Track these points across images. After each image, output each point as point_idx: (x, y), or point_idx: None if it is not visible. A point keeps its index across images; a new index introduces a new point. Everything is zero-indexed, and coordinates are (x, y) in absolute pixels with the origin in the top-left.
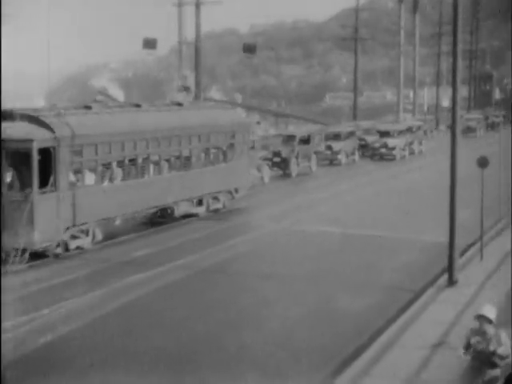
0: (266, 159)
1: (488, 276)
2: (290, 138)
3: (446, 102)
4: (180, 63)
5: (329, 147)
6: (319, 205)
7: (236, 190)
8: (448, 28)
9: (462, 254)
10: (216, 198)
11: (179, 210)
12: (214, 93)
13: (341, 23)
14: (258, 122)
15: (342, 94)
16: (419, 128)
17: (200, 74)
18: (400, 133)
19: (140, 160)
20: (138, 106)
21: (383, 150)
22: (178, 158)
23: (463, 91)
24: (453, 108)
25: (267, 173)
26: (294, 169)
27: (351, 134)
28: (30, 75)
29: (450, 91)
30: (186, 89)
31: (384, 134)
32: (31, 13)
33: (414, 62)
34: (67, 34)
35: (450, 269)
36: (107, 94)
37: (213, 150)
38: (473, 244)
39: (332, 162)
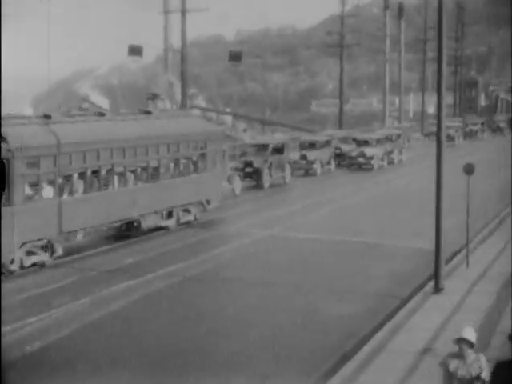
0: (236, 169)
1: (474, 283)
2: (262, 148)
3: (431, 109)
4: (165, 71)
5: (303, 157)
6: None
7: (208, 202)
8: (433, 34)
9: (447, 261)
10: (187, 210)
11: (146, 223)
12: (200, 101)
13: (327, 30)
14: (245, 130)
15: (327, 101)
16: (399, 136)
17: (186, 82)
18: (378, 141)
19: (103, 171)
20: (101, 114)
21: (361, 160)
22: (144, 168)
23: (448, 98)
24: (438, 115)
25: (238, 184)
26: (266, 180)
27: (327, 142)
28: (15, 80)
29: (435, 97)
30: (156, 96)
31: (361, 142)
32: (16, 17)
33: (400, 68)
34: (53, 39)
35: (436, 276)
36: (93, 102)
37: (183, 161)
38: (457, 252)
39: (307, 172)
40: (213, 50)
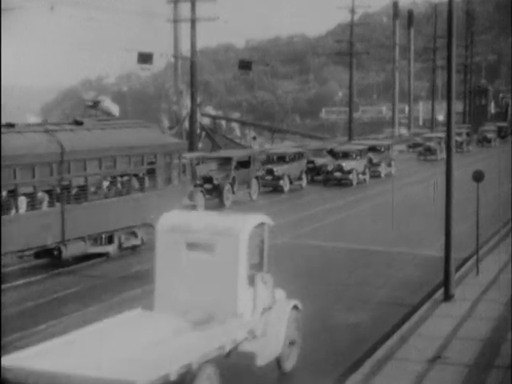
0: (197, 186)
1: (484, 291)
2: (225, 161)
3: (441, 116)
4: (175, 79)
5: (269, 171)
6: None
7: None
8: (443, 42)
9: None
10: (133, 234)
11: (69, 252)
12: (210, 109)
13: (336, 38)
14: (254, 138)
15: (337, 109)
16: (388, 147)
17: (196, 90)
18: (360, 153)
19: (4, 193)
20: (11, 125)
21: (338, 175)
22: (65, 188)
23: (458, 105)
24: (448, 123)
25: (201, 201)
26: (228, 197)
27: (299, 155)
28: (22, 89)
29: (445, 105)
30: (97, 104)
31: (339, 155)
32: (24, 27)
33: (409, 77)
34: (61, 48)
35: (446, 283)
36: (102, 109)
37: (123, 178)
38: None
39: (276, 188)
40: (222, 57)
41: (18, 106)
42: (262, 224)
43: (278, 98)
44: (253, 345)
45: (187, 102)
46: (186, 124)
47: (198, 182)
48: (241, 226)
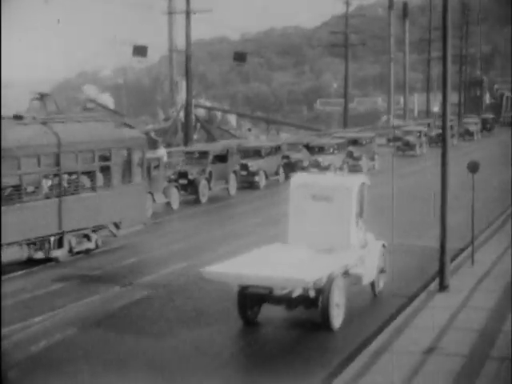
0: (171, 181)
1: (479, 281)
2: (201, 156)
3: (436, 108)
4: (170, 71)
5: (244, 167)
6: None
7: (117, 226)
8: (438, 33)
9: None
10: (87, 237)
11: (3, 257)
12: (205, 100)
13: (331, 30)
14: (250, 129)
15: (332, 100)
16: (371, 140)
17: (191, 82)
18: (337, 147)
19: None
20: None
21: (314, 171)
22: None
23: (453, 97)
24: (443, 114)
25: (176, 198)
26: (204, 193)
27: (276, 149)
28: (17, 83)
29: (440, 97)
30: (44, 96)
31: (316, 149)
32: (19, 18)
33: (405, 68)
34: (56, 41)
35: (441, 274)
36: (98, 102)
37: (71, 176)
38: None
39: (252, 184)
40: (218, 49)
41: (15, 99)
42: (363, 183)
43: (274, 89)
44: (359, 270)
45: (182, 93)
46: (182, 115)
47: (172, 177)
48: (351, 183)
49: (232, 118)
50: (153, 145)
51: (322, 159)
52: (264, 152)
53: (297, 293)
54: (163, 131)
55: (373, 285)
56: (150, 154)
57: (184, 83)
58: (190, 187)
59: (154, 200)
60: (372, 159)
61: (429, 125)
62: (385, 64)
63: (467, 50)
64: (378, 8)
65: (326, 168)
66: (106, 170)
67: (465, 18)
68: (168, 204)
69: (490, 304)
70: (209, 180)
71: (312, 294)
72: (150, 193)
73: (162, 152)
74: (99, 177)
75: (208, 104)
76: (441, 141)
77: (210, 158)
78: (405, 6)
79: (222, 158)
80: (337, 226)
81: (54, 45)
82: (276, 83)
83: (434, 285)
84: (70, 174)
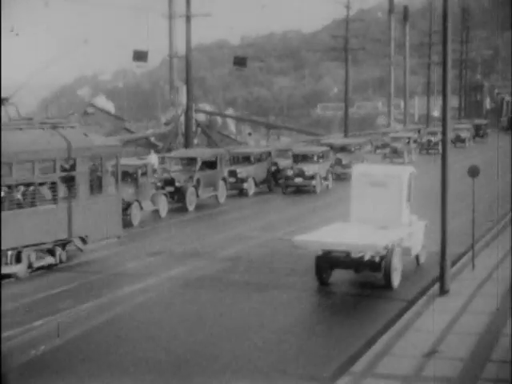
0: (159, 188)
1: (479, 285)
2: (189, 162)
3: (436, 112)
4: (171, 76)
5: (232, 173)
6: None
7: (84, 240)
8: (438, 38)
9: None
10: (50, 252)
11: None
12: (205, 104)
13: (331, 34)
14: (250, 134)
15: (333, 105)
16: (360, 146)
17: (191, 87)
18: (322, 155)
19: None
20: None
21: (299, 180)
22: None
23: (454, 101)
24: (443, 119)
25: (164, 205)
26: (191, 201)
27: (266, 155)
28: (17, 87)
29: (440, 101)
30: (5, 101)
31: (299, 157)
32: (20, 21)
33: (405, 72)
34: (55, 44)
35: (441, 278)
36: (98, 107)
37: (32, 188)
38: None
39: (241, 191)
40: (218, 53)
41: (16, 103)
42: (412, 173)
43: (274, 93)
44: (408, 243)
45: (183, 98)
46: (182, 120)
47: (159, 185)
48: (402, 172)
49: (232, 123)
50: (153, 150)
51: (307, 168)
52: (254, 158)
53: (367, 257)
54: (163, 136)
55: (417, 257)
56: (138, 161)
57: (184, 88)
58: (177, 195)
59: (141, 208)
60: None
61: (419, 131)
62: (385, 68)
63: (467, 54)
64: (378, 12)
65: (312, 177)
66: (71, 181)
67: (465, 23)
68: (156, 212)
69: (491, 308)
70: (196, 187)
71: (377, 259)
72: (137, 200)
73: (152, 158)
74: (62, 188)
75: (208, 109)
76: (432, 147)
77: (198, 164)
78: (405, 9)
79: (211, 165)
80: (390, 208)
81: (53, 48)
82: (276, 87)
83: (435, 289)
84: (27, 185)
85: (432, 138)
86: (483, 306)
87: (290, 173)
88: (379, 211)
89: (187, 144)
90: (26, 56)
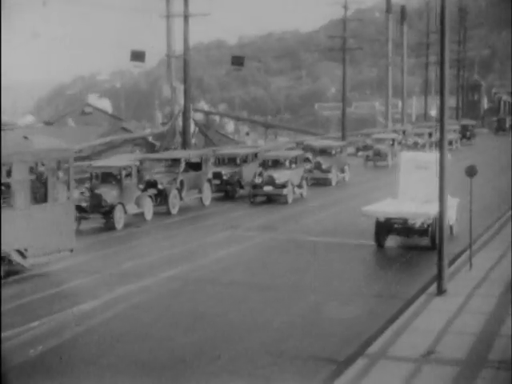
0: (144, 190)
1: (477, 285)
2: (173, 163)
3: (434, 112)
4: (169, 76)
5: (217, 175)
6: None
7: (23, 254)
8: (436, 37)
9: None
10: None
11: None
12: (203, 104)
13: (329, 34)
14: (247, 133)
15: (330, 105)
16: (341, 149)
17: (189, 87)
18: (295, 161)
19: None
20: None
21: (268, 189)
22: None
23: (451, 100)
24: (440, 119)
25: (150, 208)
26: (174, 203)
27: (252, 156)
28: (15, 86)
29: (437, 101)
30: None
31: (269, 163)
32: (17, 22)
33: (402, 72)
34: (53, 45)
35: (439, 278)
36: (95, 107)
37: None
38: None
39: (227, 193)
40: (215, 53)
41: (13, 103)
42: (449, 159)
43: (271, 93)
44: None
45: (180, 97)
46: (180, 120)
47: (141, 187)
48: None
49: (230, 123)
50: (150, 149)
51: (278, 175)
52: (240, 159)
53: (418, 224)
54: (161, 135)
55: (451, 227)
56: (121, 161)
57: (182, 88)
58: (160, 197)
59: (125, 211)
60: (342, 171)
61: (404, 132)
62: (383, 68)
63: (465, 53)
64: (376, 12)
65: (283, 186)
66: (8, 188)
67: (462, 22)
68: (142, 214)
69: (488, 308)
70: (180, 190)
71: (425, 226)
72: (120, 203)
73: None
74: None
75: (206, 108)
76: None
77: (182, 166)
78: (403, 9)
79: (195, 166)
80: (432, 186)
81: (50, 48)
82: (274, 87)
83: (432, 289)
84: None
85: (419, 140)
86: (480, 307)
87: (258, 180)
88: (422, 189)
89: (185, 143)
90: (24, 56)
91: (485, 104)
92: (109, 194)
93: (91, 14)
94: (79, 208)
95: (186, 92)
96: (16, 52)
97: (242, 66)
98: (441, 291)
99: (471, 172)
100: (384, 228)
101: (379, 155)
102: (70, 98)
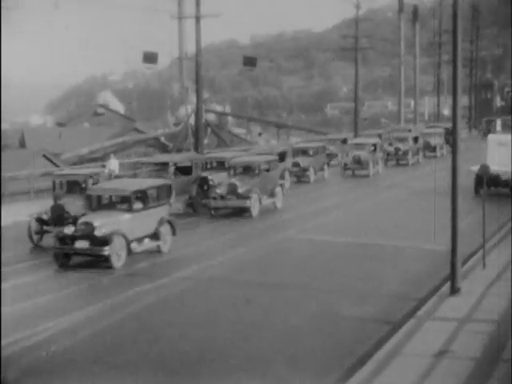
0: None
1: (490, 284)
2: (161, 167)
3: (446, 111)
4: (181, 77)
5: (204, 180)
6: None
7: None
8: (448, 37)
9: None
10: None
11: None
12: (215, 105)
13: (341, 33)
14: (260, 134)
15: (342, 104)
16: (323, 149)
17: (201, 88)
18: (269, 166)
19: None
20: None
21: (231, 203)
22: None
23: (464, 100)
24: (453, 118)
25: None
26: None
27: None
28: (29, 86)
29: (450, 100)
30: None
31: (239, 169)
32: (30, 23)
33: (415, 71)
34: (66, 46)
35: (452, 277)
36: (108, 107)
37: None
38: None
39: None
40: (227, 53)
41: (24, 104)
42: None
43: (283, 93)
44: None
45: (192, 98)
46: (192, 121)
47: None
48: None
49: (241, 123)
50: (163, 150)
51: (240, 184)
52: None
53: (504, 178)
54: (173, 136)
55: None
56: (88, 169)
57: (194, 88)
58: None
59: None
60: (321, 169)
61: (380, 136)
62: (395, 67)
63: (478, 52)
64: (388, 12)
65: (247, 197)
66: None
67: (475, 21)
68: None
69: (502, 307)
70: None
71: (508, 180)
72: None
73: (112, 164)
74: None
75: (218, 109)
76: (400, 157)
77: (171, 170)
78: (415, 9)
79: (185, 170)
80: (508, 157)
81: (63, 49)
82: (286, 87)
83: (446, 288)
84: None
85: (400, 146)
86: (494, 306)
87: (221, 190)
88: (504, 159)
89: (197, 144)
90: (37, 56)
91: (497, 102)
92: (74, 204)
93: (105, 15)
94: (40, 220)
95: (197, 92)
96: (28, 54)
97: (255, 66)
98: (454, 290)
99: (485, 171)
100: (481, 181)
101: (359, 163)
102: (83, 95)
